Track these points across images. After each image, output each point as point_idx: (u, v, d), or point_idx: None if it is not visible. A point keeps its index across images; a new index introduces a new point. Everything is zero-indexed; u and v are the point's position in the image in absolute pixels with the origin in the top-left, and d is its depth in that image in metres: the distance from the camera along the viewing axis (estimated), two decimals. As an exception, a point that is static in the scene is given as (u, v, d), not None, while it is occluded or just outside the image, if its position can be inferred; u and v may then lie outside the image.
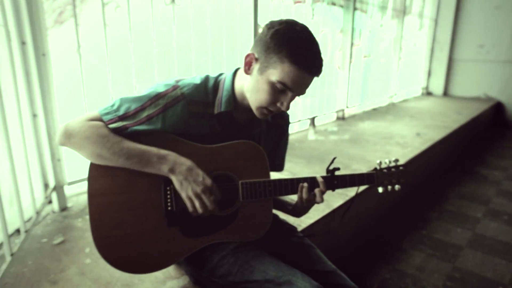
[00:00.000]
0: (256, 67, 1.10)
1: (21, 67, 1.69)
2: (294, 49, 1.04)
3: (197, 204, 1.09)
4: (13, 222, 1.67)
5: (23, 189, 1.62)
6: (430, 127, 4.12)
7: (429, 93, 6.83)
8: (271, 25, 1.08)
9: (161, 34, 2.35)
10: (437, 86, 6.72)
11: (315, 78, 1.14)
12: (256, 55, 1.10)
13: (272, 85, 1.08)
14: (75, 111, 2.06)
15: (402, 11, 5.50)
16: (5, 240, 1.40)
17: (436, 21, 6.47)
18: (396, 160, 1.36)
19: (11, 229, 1.70)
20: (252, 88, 1.12)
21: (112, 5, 2.15)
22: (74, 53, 1.92)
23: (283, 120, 1.37)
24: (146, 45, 2.25)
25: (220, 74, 1.24)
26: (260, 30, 1.13)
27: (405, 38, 5.78)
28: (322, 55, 1.10)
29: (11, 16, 1.60)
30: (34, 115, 1.80)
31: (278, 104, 1.11)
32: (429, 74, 6.76)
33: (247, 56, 1.12)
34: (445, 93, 6.70)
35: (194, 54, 2.52)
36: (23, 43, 1.69)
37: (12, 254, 1.45)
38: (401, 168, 1.36)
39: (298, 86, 1.08)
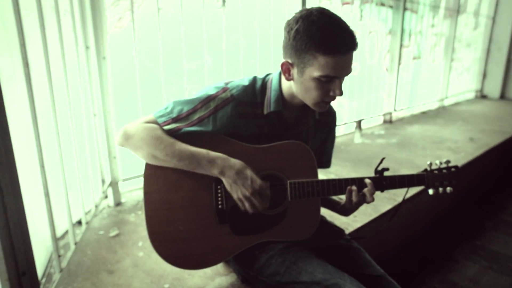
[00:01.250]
0: (294, 71, 1.11)
1: (85, 70, 1.82)
2: (320, 41, 1.02)
3: (247, 205, 1.12)
4: (73, 213, 1.79)
5: (84, 184, 1.74)
6: (485, 132, 3.89)
7: (483, 96, 6.44)
8: (289, 27, 1.08)
9: (212, 36, 2.42)
10: (493, 88, 6.32)
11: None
12: (290, 61, 1.11)
13: (317, 81, 1.08)
14: (131, 111, 2.17)
15: (456, 10, 5.24)
16: (70, 230, 1.51)
17: (493, 20, 6.10)
18: (448, 161, 1.31)
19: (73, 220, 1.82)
20: (300, 91, 1.13)
21: (166, 10, 2.24)
22: (131, 56, 2.03)
23: (330, 117, 1.37)
24: (197, 47, 2.33)
25: (267, 75, 1.26)
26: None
27: (458, 38, 5.51)
28: (351, 28, 1.05)
29: (79, 23, 1.72)
30: (94, 115, 1.92)
31: (331, 93, 1.11)
32: (484, 75, 6.38)
33: (282, 65, 1.13)
34: (502, 96, 6.29)
35: (242, 56, 2.57)
36: (87, 47, 1.82)
37: (75, 243, 1.56)
38: (453, 169, 1.30)
39: (341, 70, 1.07)
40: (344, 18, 1.07)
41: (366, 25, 3.71)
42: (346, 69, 1.09)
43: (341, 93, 1.10)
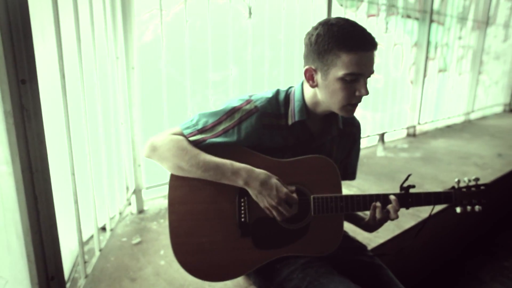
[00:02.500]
0: (318, 76, 1.12)
1: (115, 80, 1.88)
2: (341, 39, 1.05)
3: (274, 213, 1.12)
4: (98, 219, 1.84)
5: (110, 191, 1.78)
6: (514, 148, 3.77)
7: (512, 110, 6.26)
8: (309, 35, 1.12)
9: (237, 48, 2.45)
10: (523, 102, 6.12)
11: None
12: (313, 67, 1.12)
13: (342, 81, 1.09)
14: (157, 121, 2.21)
15: (485, 22, 5.13)
16: (96, 235, 1.55)
17: (524, 32, 5.93)
18: (477, 179, 1.27)
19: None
20: (326, 96, 1.14)
21: (194, 21, 2.29)
22: (158, 66, 2.08)
23: (354, 128, 1.37)
24: (223, 58, 2.37)
25: (290, 87, 1.27)
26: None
27: (487, 51, 5.38)
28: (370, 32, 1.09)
29: (111, 34, 1.78)
30: (121, 123, 1.97)
31: (357, 93, 1.11)
32: (514, 89, 6.19)
33: (306, 72, 1.15)
34: (533, 111, 6.09)
35: (267, 67, 2.59)
36: (117, 58, 1.87)
37: (100, 250, 1.59)
38: (482, 187, 1.27)
39: (365, 67, 1.08)
40: (369, 30, 1.10)
41: (392, 37, 3.67)
42: (369, 66, 1.09)
43: (366, 92, 1.11)
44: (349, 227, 1.40)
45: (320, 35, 1.08)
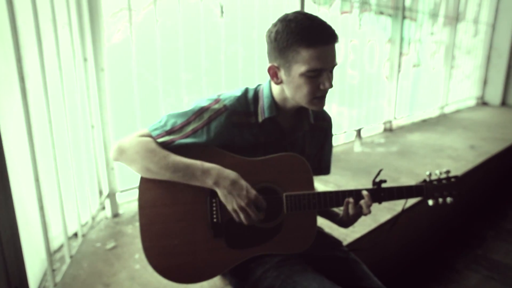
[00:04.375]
0: (281, 73, 1.12)
1: (83, 82, 1.83)
2: (300, 35, 1.04)
3: (242, 216, 1.11)
4: (70, 225, 1.78)
5: (81, 195, 1.74)
6: (486, 139, 3.88)
7: (484, 103, 6.43)
8: (269, 33, 1.12)
9: (210, 47, 2.43)
10: (494, 95, 6.31)
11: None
12: (275, 64, 1.12)
13: (305, 77, 1.08)
14: (129, 123, 2.17)
15: (455, 18, 5.26)
16: (65, 242, 1.51)
17: (493, 27, 6.11)
18: (448, 171, 1.29)
19: (68, 233, 1.82)
20: (291, 91, 1.14)
21: (164, 21, 2.26)
22: (129, 68, 2.04)
23: (325, 122, 1.37)
24: (195, 58, 2.34)
25: (259, 85, 1.27)
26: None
27: (458, 46, 5.52)
28: (329, 24, 1.08)
29: (77, 35, 1.73)
30: (92, 126, 1.92)
31: (321, 87, 1.10)
32: (485, 82, 6.37)
33: (269, 69, 1.15)
34: (504, 103, 6.28)
35: (241, 66, 2.58)
36: (85, 60, 1.83)
37: (71, 256, 1.55)
38: (453, 179, 1.29)
39: (326, 62, 1.07)
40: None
41: (365, 33, 3.72)
42: (330, 60, 1.08)
43: (330, 85, 1.10)
44: (325, 223, 1.41)
45: (278, 32, 1.07)
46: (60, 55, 1.46)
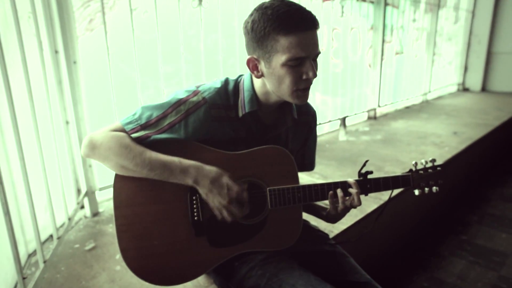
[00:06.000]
0: (262, 65, 1.06)
1: (53, 75, 1.73)
2: (277, 22, 0.98)
3: (224, 214, 1.06)
4: (47, 227, 1.70)
5: (56, 195, 1.65)
6: (468, 125, 3.91)
7: (465, 89, 6.51)
8: (246, 23, 1.06)
9: (189, 37, 2.34)
10: (475, 81, 6.39)
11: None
12: (255, 56, 1.06)
13: (287, 66, 1.02)
14: (106, 117, 2.08)
15: (437, 5, 5.26)
16: (38, 248, 1.43)
17: (473, 13, 6.16)
18: (433, 160, 1.28)
19: (45, 235, 1.73)
20: (273, 84, 1.07)
21: (140, 10, 2.16)
22: (104, 60, 1.94)
23: (309, 117, 1.32)
24: (174, 49, 2.25)
25: (240, 76, 1.21)
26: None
27: (439, 33, 5.54)
28: (308, 9, 1.02)
29: (44, 26, 1.63)
30: (67, 122, 1.83)
31: (304, 77, 1.04)
32: (466, 69, 6.44)
33: (248, 62, 1.09)
34: (484, 89, 6.37)
35: (221, 56, 2.50)
36: (55, 52, 1.72)
37: (45, 261, 1.47)
38: (438, 168, 1.28)
39: (307, 49, 1.01)
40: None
41: (348, 21, 3.67)
42: (312, 47, 1.02)
43: (314, 75, 1.04)
44: (311, 217, 1.37)
45: (255, 21, 1.01)
46: (24, 47, 1.36)
